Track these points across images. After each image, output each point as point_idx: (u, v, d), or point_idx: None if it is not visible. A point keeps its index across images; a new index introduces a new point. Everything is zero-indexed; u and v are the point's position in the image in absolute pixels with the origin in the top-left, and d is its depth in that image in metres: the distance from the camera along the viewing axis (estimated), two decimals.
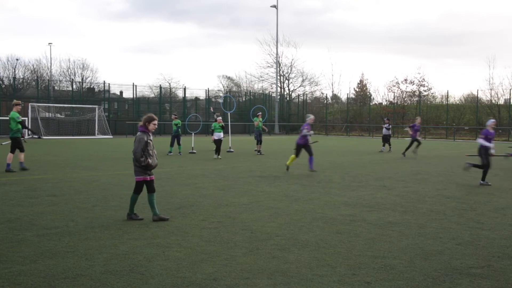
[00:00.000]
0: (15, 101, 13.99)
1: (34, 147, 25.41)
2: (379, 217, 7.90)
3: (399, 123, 49.94)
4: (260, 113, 23.10)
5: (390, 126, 25.45)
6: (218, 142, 18.97)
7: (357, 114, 55.51)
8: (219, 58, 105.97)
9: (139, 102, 47.78)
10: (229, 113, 26.63)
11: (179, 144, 20.84)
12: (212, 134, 19.46)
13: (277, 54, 55.33)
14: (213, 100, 53.27)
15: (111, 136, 38.45)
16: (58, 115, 41.83)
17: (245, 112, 49.03)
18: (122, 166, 15.60)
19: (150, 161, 7.35)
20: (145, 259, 5.49)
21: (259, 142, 21.81)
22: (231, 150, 22.86)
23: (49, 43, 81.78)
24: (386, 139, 24.54)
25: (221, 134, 19.29)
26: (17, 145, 13.59)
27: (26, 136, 30.76)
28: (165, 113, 50.44)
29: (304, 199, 9.65)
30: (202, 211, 8.27)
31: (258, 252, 5.84)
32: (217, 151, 18.91)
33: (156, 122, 7.52)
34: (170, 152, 20.77)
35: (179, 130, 21.16)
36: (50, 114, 40.86)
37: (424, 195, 10.32)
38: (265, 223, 7.39)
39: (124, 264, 5.32)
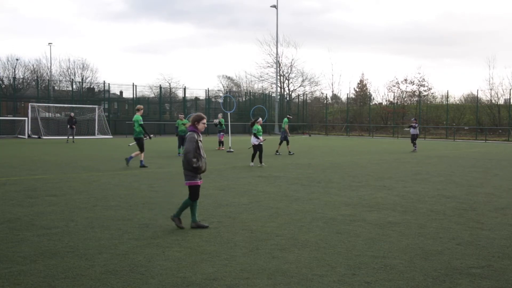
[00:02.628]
0: (138, 106, 15.98)
1: (35, 147, 25.40)
2: (379, 217, 7.90)
3: (399, 123, 49.95)
4: (291, 117, 23.38)
5: (418, 125, 25.88)
6: (259, 147, 16.24)
7: (357, 114, 55.52)
8: (219, 58, 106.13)
9: (139, 102, 47.77)
10: (229, 113, 26.64)
11: (183, 145, 20.55)
12: (257, 138, 16.34)
13: (277, 54, 55.35)
14: (213, 100, 53.28)
15: (111, 136, 38.46)
16: (58, 115, 41.85)
17: (245, 112, 49.04)
18: (122, 166, 15.59)
19: (200, 163, 6.86)
20: (145, 259, 5.49)
21: (285, 142, 21.70)
22: (231, 150, 22.89)
23: (49, 43, 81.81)
24: (413, 138, 25.05)
25: (261, 138, 16.53)
26: (140, 145, 15.46)
27: (70, 137, 31.52)
28: (165, 113, 50.47)
29: (304, 199, 9.65)
30: (202, 211, 8.26)
31: (258, 252, 5.83)
32: (259, 157, 16.23)
33: (205, 121, 7.06)
34: (180, 153, 20.05)
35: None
36: (50, 114, 40.88)
37: (424, 195, 10.31)
38: (265, 223, 7.39)
39: (124, 264, 5.32)
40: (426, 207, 8.90)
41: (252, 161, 16.23)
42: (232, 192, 10.36)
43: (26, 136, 35.24)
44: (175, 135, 20.82)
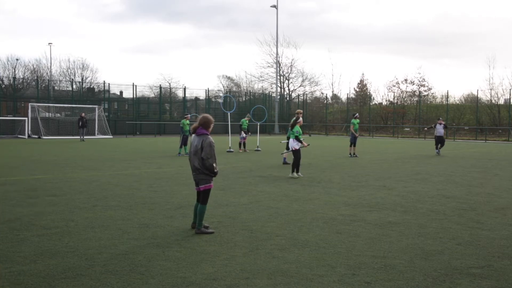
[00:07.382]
0: (298, 110, 16.54)
1: (35, 147, 25.39)
2: (379, 217, 7.90)
3: (399, 123, 49.94)
4: (358, 114, 22.84)
5: (445, 125, 23.36)
6: (298, 154, 13.49)
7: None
8: (218, 59, 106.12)
9: (139, 102, 47.77)
10: (229, 113, 26.65)
11: (186, 144, 20.64)
12: (300, 141, 13.57)
13: (277, 54, 55.34)
14: (213, 100, 53.25)
15: (111, 136, 38.45)
16: (58, 115, 41.83)
17: (245, 112, 48.95)
18: (122, 166, 15.59)
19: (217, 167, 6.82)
20: (145, 259, 5.49)
21: (353, 144, 20.92)
22: (231, 150, 22.88)
23: (49, 43, 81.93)
24: (442, 140, 22.59)
25: (305, 143, 13.88)
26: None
27: (84, 136, 32.71)
28: (165, 113, 50.48)
29: (304, 199, 9.65)
30: None
31: (258, 252, 5.83)
32: (296, 165, 13.38)
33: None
34: (186, 153, 19.85)
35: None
36: (50, 114, 40.87)
37: (424, 195, 10.31)
38: (265, 223, 7.39)
39: (124, 264, 5.32)
40: (426, 207, 8.90)
41: (294, 171, 13.29)
42: (232, 192, 10.36)
43: (26, 136, 35.23)
44: (181, 135, 20.99)
